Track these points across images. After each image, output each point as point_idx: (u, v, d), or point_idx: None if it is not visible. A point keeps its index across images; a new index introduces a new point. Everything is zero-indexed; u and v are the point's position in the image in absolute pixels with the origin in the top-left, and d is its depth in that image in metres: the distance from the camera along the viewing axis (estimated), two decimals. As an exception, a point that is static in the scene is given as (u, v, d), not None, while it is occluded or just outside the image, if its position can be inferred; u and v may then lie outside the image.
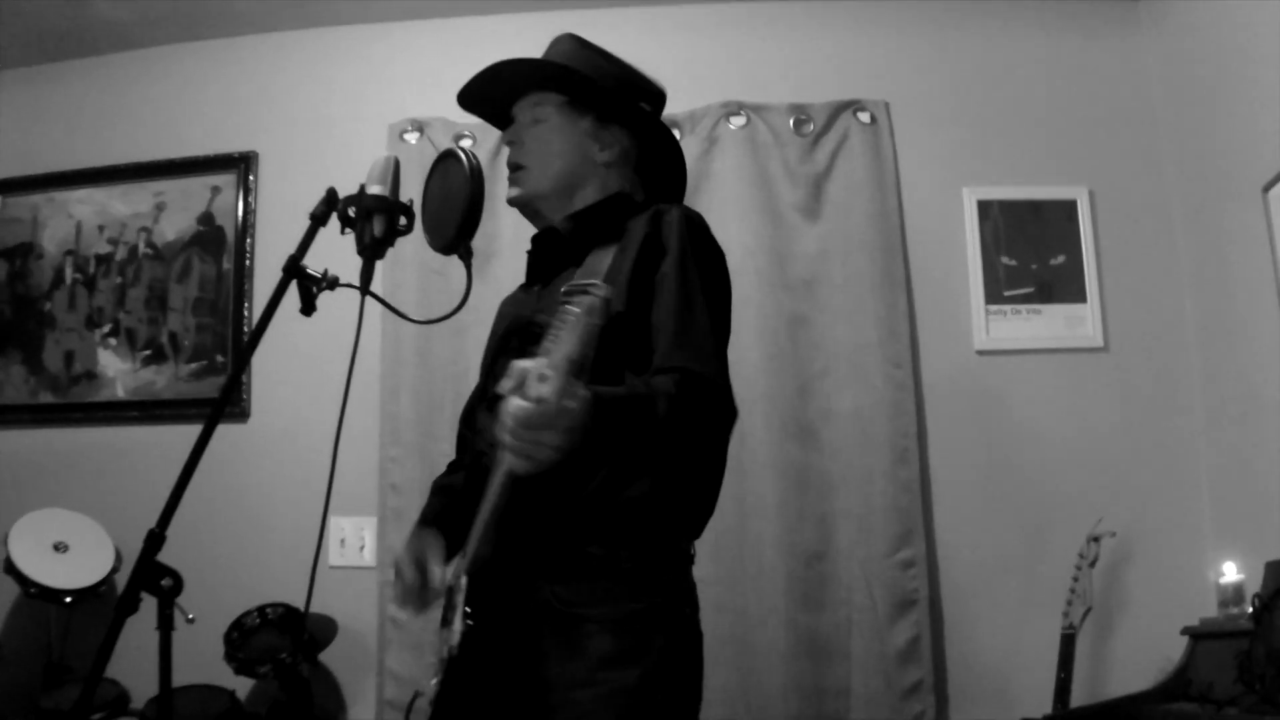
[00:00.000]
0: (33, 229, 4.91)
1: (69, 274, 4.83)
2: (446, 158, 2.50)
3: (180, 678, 3.34)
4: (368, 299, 2.35)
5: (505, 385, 1.84)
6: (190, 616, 2.17)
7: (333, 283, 2.32)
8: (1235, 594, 3.35)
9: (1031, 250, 4.53)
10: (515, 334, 2.52)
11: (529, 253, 2.66)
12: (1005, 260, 4.52)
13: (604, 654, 2.15)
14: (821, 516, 4.26)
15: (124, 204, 4.86)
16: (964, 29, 4.81)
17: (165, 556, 3.83)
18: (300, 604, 4.06)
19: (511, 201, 2.61)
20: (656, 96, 2.69)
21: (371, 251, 2.36)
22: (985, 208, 4.56)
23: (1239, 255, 4.08)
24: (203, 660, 3.89)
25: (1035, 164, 4.63)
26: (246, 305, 4.67)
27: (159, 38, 4.98)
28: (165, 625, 2.05)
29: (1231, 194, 4.08)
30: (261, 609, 4.07)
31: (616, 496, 2.24)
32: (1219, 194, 4.21)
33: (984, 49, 4.79)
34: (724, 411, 2.23)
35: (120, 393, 4.69)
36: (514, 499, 2.10)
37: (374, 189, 2.37)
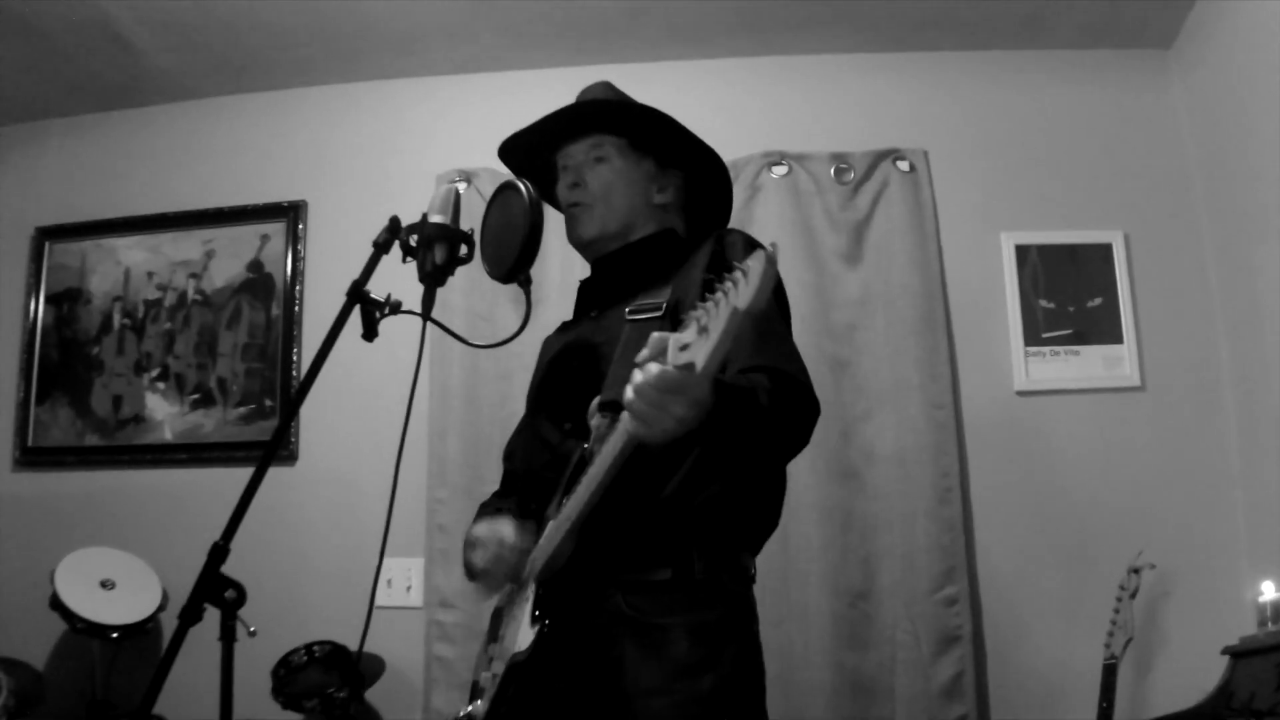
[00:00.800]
0: (80, 275, 4.95)
1: (117, 319, 4.87)
2: (506, 189, 2.56)
3: (238, 713, 3.38)
4: (429, 326, 2.43)
5: (643, 355, 1.87)
6: (252, 629, 2.20)
7: (395, 307, 2.37)
8: (1275, 611, 3.39)
9: (1069, 293, 4.55)
10: (574, 355, 2.59)
11: (584, 283, 2.74)
12: (1043, 303, 4.55)
13: (679, 662, 2.20)
14: (865, 557, 4.27)
15: (174, 251, 4.91)
16: (998, 79, 4.87)
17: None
18: (346, 643, 4.05)
19: (577, 240, 2.66)
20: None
21: (433, 279, 2.42)
22: (1023, 252, 4.59)
23: (1270, 295, 4.10)
24: (249, 696, 3.88)
25: (1071, 209, 4.67)
26: (295, 350, 4.70)
27: (209, 89, 5.05)
28: (228, 637, 2.08)
29: (1262, 235, 4.10)
30: (309, 646, 4.06)
31: (691, 500, 2.30)
32: (1250, 236, 4.23)
33: (1018, 98, 4.84)
34: (812, 406, 2.28)
35: (168, 435, 4.71)
36: (606, 495, 2.15)
37: (435, 218, 2.44)
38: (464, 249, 2.45)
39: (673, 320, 2.31)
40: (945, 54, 4.90)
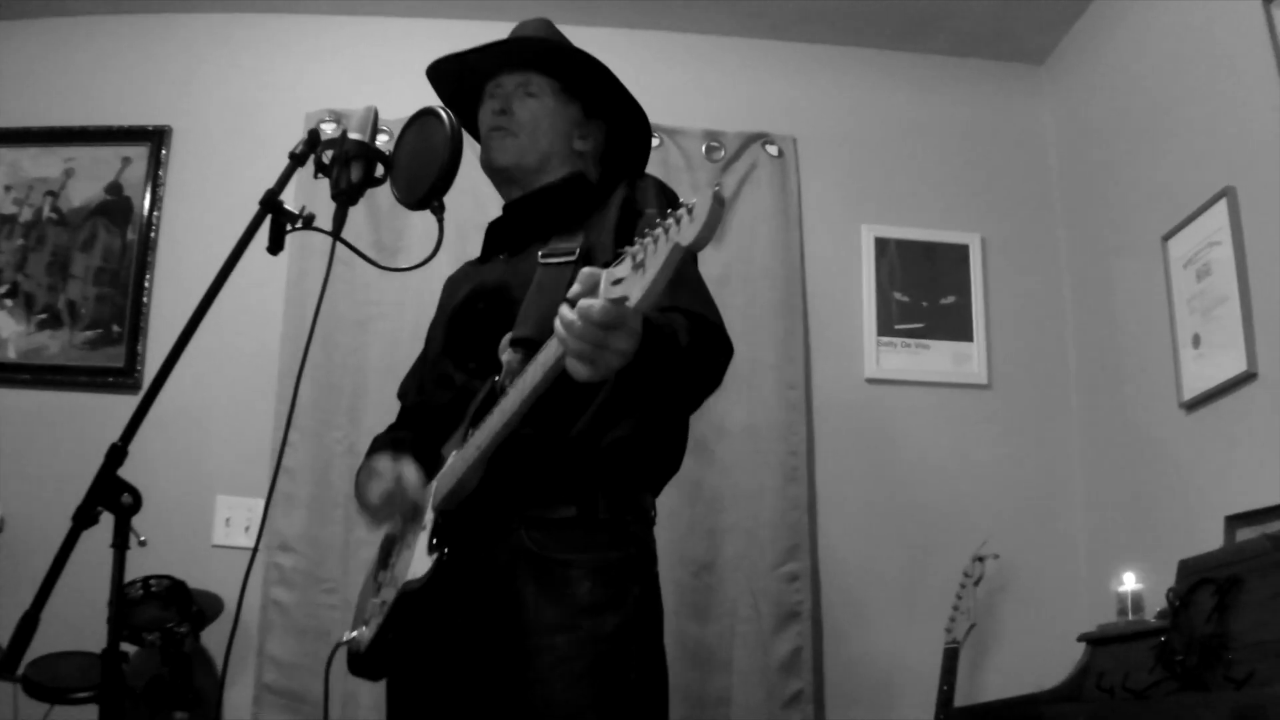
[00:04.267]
0: (-64, 184, 4.64)
1: (-31, 232, 4.57)
2: (425, 115, 2.46)
3: (57, 644, 3.18)
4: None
5: (575, 290, 1.82)
6: (143, 539, 2.02)
7: (308, 221, 2.27)
8: (1135, 601, 3.42)
9: (924, 289, 4.58)
10: (483, 297, 2.52)
11: (493, 224, 2.69)
12: (898, 296, 4.56)
13: (584, 600, 2.18)
14: (710, 529, 4.21)
15: (32, 167, 4.60)
16: (873, 77, 4.88)
17: (43, 523, 3.64)
18: (182, 580, 3.86)
19: (495, 165, 2.60)
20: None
21: (346, 197, 2.33)
22: (882, 245, 4.61)
23: (1130, 301, 4.20)
24: (81, 627, 3.68)
25: (932, 208, 4.71)
26: (148, 278, 4.45)
27: (83, 8, 4.76)
28: (121, 544, 1.93)
29: (1128, 244, 4.21)
30: (145, 580, 3.84)
31: (600, 439, 2.27)
32: (1113, 245, 4.34)
33: (891, 97, 4.86)
34: (727, 349, 2.28)
35: (11, 354, 4.41)
36: (514, 431, 2.11)
37: (354, 135, 2.35)
38: (379, 169, 2.38)
39: (586, 264, 2.20)
40: (824, 47, 4.90)
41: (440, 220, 2.43)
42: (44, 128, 4.66)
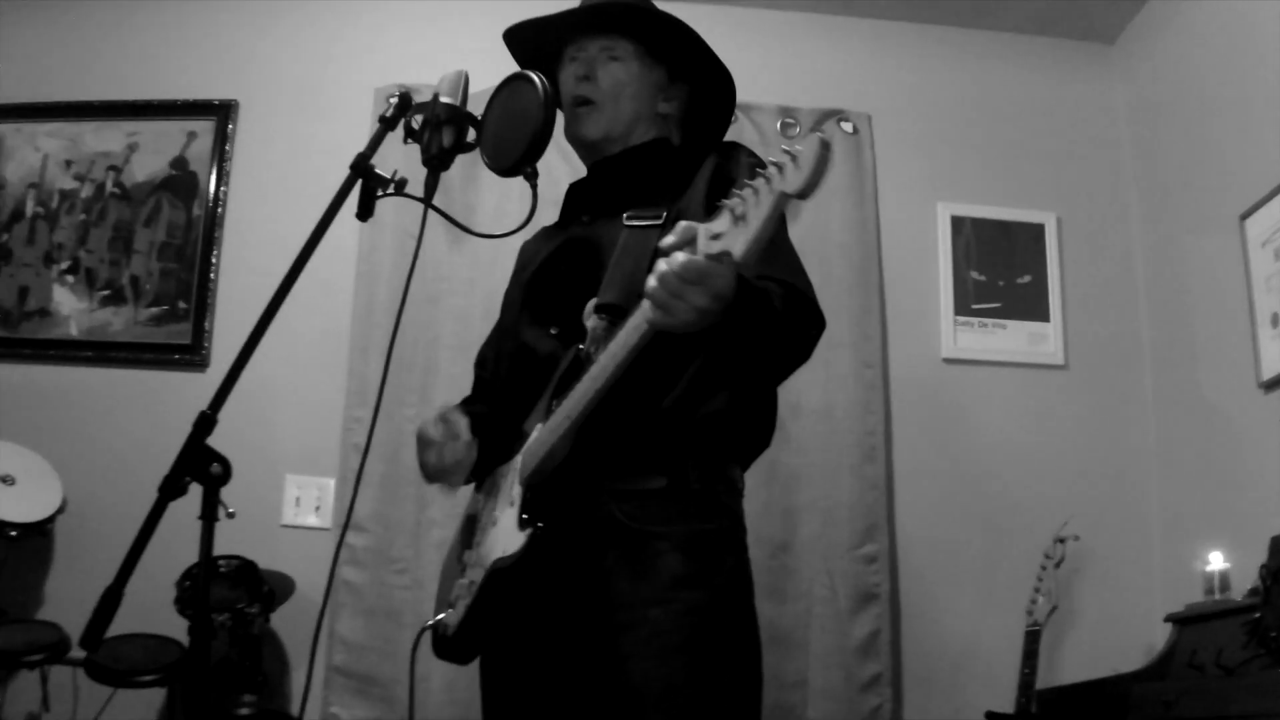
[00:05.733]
0: (-6, 158, 4.53)
1: (30, 208, 4.44)
2: (517, 80, 2.35)
3: (127, 626, 3.06)
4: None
5: (668, 242, 1.78)
6: (231, 511, 1.92)
7: (400, 185, 2.15)
8: (1223, 580, 3.38)
9: (1000, 268, 4.50)
10: (565, 260, 2.45)
11: (575, 185, 2.61)
12: (974, 275, 4.48)
13: (677, 573, 2.10)
14: (787, 509, 4.12)
15: (95, 141, 4.49)
16: (947, 54, 4.81)
17: (106, 504, 3.53)
18: (252, 560, 3.75)
19: (579, 139, 2.51)
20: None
21: (438, 162, 2.23)
22: (958, 223, 4.54)
23: (1206, 281, 4.12)
24: (141, 609, 3.57)
25: (1007, 187, 4.63)
26: (215, 253, 4.35)
27: (149, -21, 4.66)
28: (209, 516, 1.81)
29: (1204, 223, 4.14)
30: (214, 560, 3.75)
31: (693, 412, 2.19)
32: (1189, 224, 4.26)
33: (964, 75, 4.78)
34: (819, 320, 2.21)
35: (74, 331, 4.31)
36: (603, 401, 2.04)
37: (445, 99, 2.25)
38: (471, 134, 2.29)
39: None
40: (897, 23, 4.82)
41: (534, 186, 2.35)
42: (104, 101, 4.56)
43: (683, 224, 1.77)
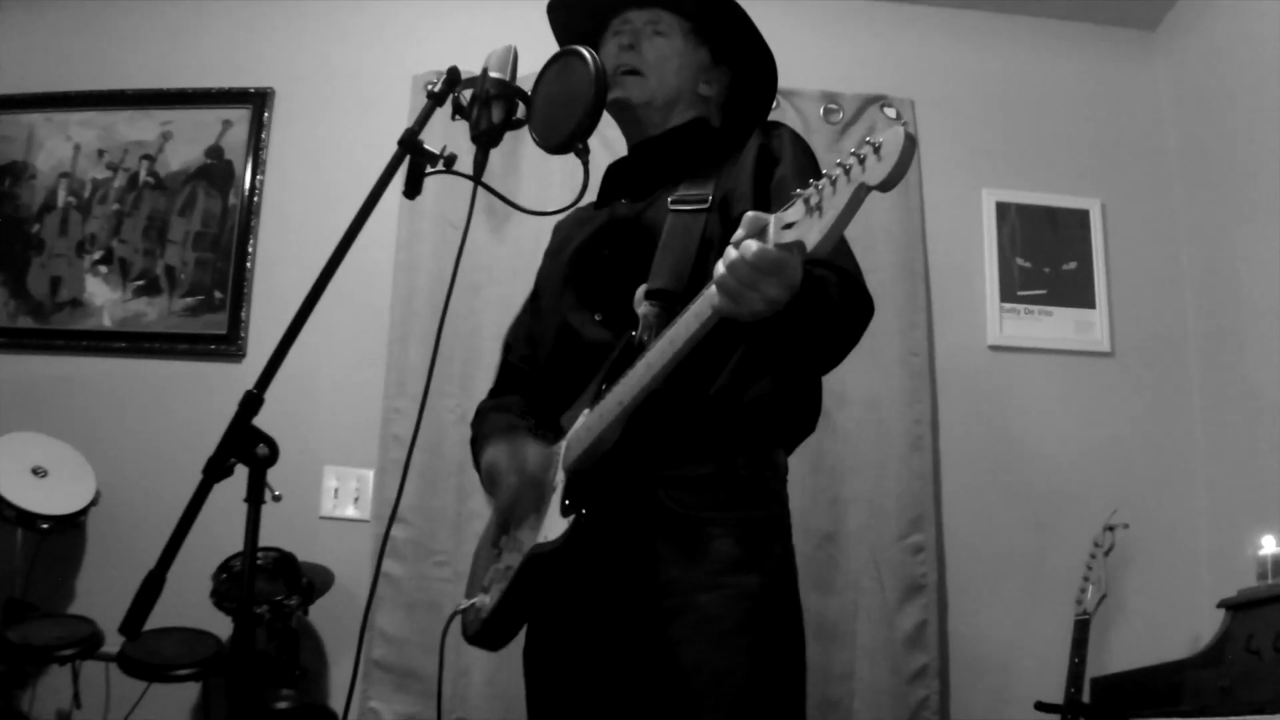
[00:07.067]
0: (27, 148, 4.43)
1: (62, 197, 4.36)
2: (567, 55, 2.27)
3: (159, 620, 2.97)
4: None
5: (739, 234, 1.73)
6: (278, 494, 1.84)
7: (450, 161, 2.06)
8: (1275, 565, 3.34)
9: (1045, 254, 4.42)
10: (608, 244, 2.38)
11: (614, 166, 2.53)
12: (1020, 261, 4.40)
13: (728, 559, 2.08)
14: (833, 499, 4.04)
15: (128, 130, 4.42)
16: (991, 39, 4.73)
17: (140, 495, 3.41)
18: (291, 552, 3.67)
19: (622, 103, 2.41)
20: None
21: (488, 139, 2.15)
22: (1003, 209, 4.46)
23: (1252, 266, 4.06)
24: (175, 602, 3.49)
25: (1052, 173, 4.55)
26: (251, 243, 4.28)
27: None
28: (255, 499, 1.75)
29: (1249, 210, 4.09)
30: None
31: (740, 397, 2.16)
32: (1234, 211, 4.21)
33: (1007, 60, 4.71)
34: (869, 308, 2.16)
35: (107, 322, 4.24)
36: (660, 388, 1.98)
37: (494, 74, 2.17)
38: (520, 110, 2.21)
39: (722, 213, 2.20)
40: (940, 9, 4.76)
41: (585, 162, 2.24)
42: (137, 90, 4.49)
43: (751, 214, 1.72)
